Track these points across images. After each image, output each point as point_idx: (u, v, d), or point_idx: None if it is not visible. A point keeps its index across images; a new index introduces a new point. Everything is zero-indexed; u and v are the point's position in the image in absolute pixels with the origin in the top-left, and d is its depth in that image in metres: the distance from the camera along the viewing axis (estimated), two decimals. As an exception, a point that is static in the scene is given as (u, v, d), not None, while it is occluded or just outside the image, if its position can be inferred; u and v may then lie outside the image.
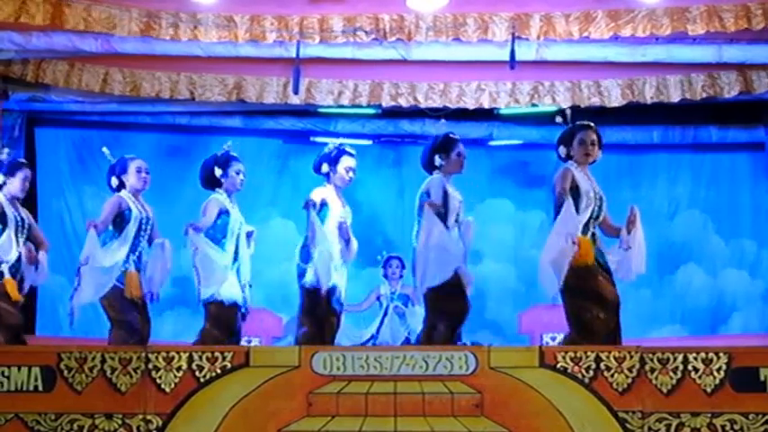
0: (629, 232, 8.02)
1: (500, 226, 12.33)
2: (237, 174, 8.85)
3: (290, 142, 12.53)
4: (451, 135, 8.61)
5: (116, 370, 7.48)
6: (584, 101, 10.74)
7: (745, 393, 7.36)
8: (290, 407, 7.40)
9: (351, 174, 8.86)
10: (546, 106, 10.88)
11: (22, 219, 8.56)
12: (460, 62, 10.59)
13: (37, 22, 9.56)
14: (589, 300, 7.90)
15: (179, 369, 7.47)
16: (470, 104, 10.91)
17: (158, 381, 7.47)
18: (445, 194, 8.32)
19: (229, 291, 8.54)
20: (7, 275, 8.33)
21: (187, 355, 7.51)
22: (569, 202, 7.88)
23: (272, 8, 9.88)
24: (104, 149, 8.83)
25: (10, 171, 8.60)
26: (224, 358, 7.48)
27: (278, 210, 12.24)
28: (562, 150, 8.22)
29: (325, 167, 8.84)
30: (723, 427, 7.31)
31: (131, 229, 8.47)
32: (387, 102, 10.91)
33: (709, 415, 7.33)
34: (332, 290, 8.65)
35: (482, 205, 12.15)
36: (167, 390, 7.46)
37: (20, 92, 11.08)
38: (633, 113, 11.40)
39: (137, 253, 8.51)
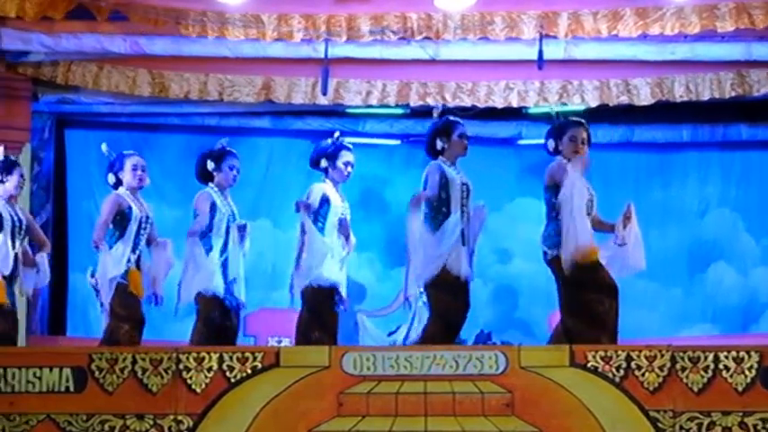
0: (624, 227, 7.99)
1: (529, 225, 12.14)
2: (231, 169, 8.76)
3: (318, 143, 12.51)
4: (452, 118, 8.50)
5: (147, 371, 7.49)
6: (612, 99, 10.72)
7: (776, 392, 7.32)
8: (321, 407, 7.39)
9: (349, 169, 8.74)
10: (575, 105, 10.85)
11: (20, 219, 8.43)
12: (488, 61, 10.57)
13: (60, 15, 9.67)
14: (601, 292, 7.89)
15: (209, 369, 7.47)
16: (499, 103, 10.89)
17: (189, 381, 7.48)
18: (445, 180, 8.19)
19: (211, 283, 8.50)
20: None
21: (217, 355, 7.51)
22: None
23: (300, 7, 9.90)
24: (103, 146, 8.80)
25: (5, 171, 8.44)
26: (254, 358, 7.47)
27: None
28: (550, 144, 8.17)
29: (323, 162, 8.72)
30: (755, 426, 7.25)
31: (133, 227, 8.45)
32: (415, 101, 10.89)
33: (741, 414, 7.28)
34: (335, 287, 8.54)
35: (511, 204, 12.10)
36: (198, 390, 7.47)
37: (49, 94, 11.12)
38: (662, 112, 11.35)
39: (137, 252, 8.51)
